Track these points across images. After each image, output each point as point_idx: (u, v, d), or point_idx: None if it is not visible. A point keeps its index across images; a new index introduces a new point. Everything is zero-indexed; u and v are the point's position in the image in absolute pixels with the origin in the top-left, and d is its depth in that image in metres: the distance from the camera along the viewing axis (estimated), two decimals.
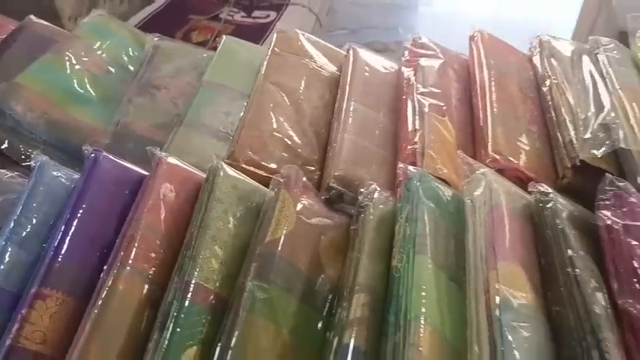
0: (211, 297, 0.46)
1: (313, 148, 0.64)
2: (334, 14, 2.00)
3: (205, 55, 0.82)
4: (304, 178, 0.60)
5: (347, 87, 0.69)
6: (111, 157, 0.57)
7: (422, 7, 2.90)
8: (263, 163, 0.60)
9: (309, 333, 0.45)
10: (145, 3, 1.42)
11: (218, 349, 0.41)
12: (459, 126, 0.66)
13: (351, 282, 0.46)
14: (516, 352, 0.40)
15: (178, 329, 0.43)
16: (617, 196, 0.50)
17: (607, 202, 0.49)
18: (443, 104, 0.64)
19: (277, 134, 0.64)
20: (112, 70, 0.80)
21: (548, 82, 0.70)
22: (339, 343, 0.42)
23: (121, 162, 0.57)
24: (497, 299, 0.43)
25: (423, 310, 0.42)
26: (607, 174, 0.51)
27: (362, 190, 0.54)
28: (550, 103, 0.67)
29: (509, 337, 0.41)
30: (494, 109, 0.65)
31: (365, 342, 0.42)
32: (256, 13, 1.38)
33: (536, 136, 0.65)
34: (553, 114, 0.66)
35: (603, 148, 0.57)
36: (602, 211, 0.49)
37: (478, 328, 0.43)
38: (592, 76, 0.69)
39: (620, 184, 0.50)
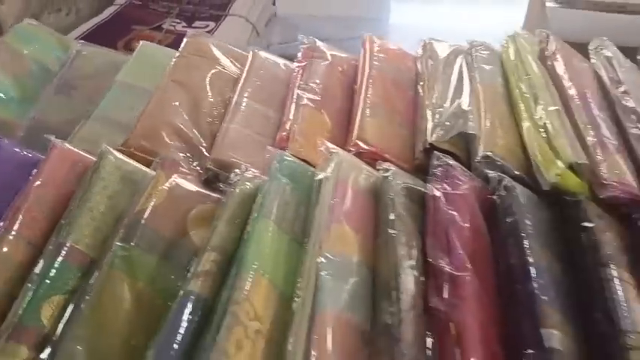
0: (82, 257, 0.53)
1: (205, 138, 0.71)
2: (292, 27, 2.07)
3: (124, 59, 0.89)
4: (195, 163, 0.68)
5: (240, 84, 0.76)
6: (11, 144, 0.64)
7: (393, 19, 2.99)
8: (154, 150, 0.67)
9: (166, 289, 0.52)
10: (93, 15, 1.49)
11: (78, 295, 0.48)
12: (338, 119, 0.74)
13: (205, 244, 0.53)
14: (329, 298, 0.47)
15: (47, 281, 0.50)
16: (444, 170, 0.58)
17: (435, 176, 0.57)
18: (319, 98, 0.72)
19: (172, 126, 0.71)
20: (35, 71, 0.87)
21: (421, 80, 0.78)
22: (185, 290, 0.49)
23: (22, 149, 0.64)
24: (324, 254, 0.50)
25: (257, 262, 0.49)
26: (435, 152, 0.59)
27: (236, 170, 0.62)
28: (422, 98, 0.75)
29: (326, 285, 0.48)
30: (368, 103, 0.73)
31: (208, 291, 0.49)
32: (196, 24, 1.45)
33: (405, 127, 0.73)
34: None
35: (449, 133, 0.66)
36: (431, 184, 0.57)
37: (308, 279, 0.50)
38: (460, 74, 0.77)
39: (447, 160, 0.59)
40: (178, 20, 1.47)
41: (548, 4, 1.81)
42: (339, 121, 0.73)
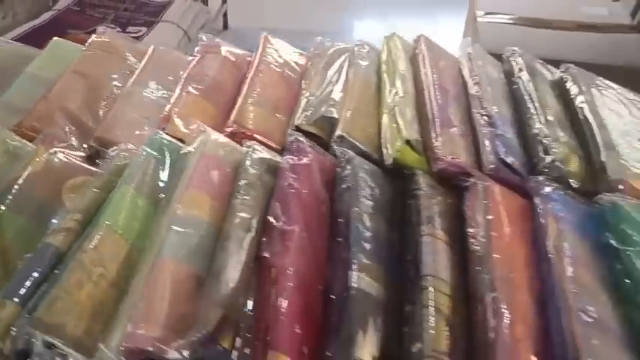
0: None
1: (96, 121, 0.77)
2: (244, 40, 2.15)
3: (37, 53, 0.95)
4: (84, 145, 0.74)
5: (135, 74, 0.83)
6: None
7: (355, 33, 3.08)
8: (44, 130, 0.73)
9: (31, 245, 0.57)
10: (30, 19, 1.54)
11: None
12: (225, 108, 0.80)
13: (73, 207, 0.59)
14: (170, 250, 0.53)
15: None
16: (294, 145, 0.65)
17: (288, 150, 0.65)
18: (205, 87, 0.79)
19: (66, 110, 0.77)
20: None
21: (306, 74, 0.86)
22: (43, 243, 0.54)
23: None
24: (176, 212, 0.57)
25: (111, 219, 0.55)
26: (290, 130, 0.66)
27: (115, 147, 0.68)
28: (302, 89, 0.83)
29: (171, 239, 0.55)
30: (251, 92, 0.80)
31: (66, 245, 0.55)
32: (130, 29, 1.52)
33: (288, 116, 0.80)
34: None
35: (312, 117, 0.73)
36: (283, 157, 0.64)
37: (158, 234, 0.56)
38: (340, 68, 0.85)
39: (298, 136, 0.66)
40: (113, 25, 1.53)
41: (479, 19, 1.93)
42: (225, 109, 0.80)
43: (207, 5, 1.94)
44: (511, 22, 1.88)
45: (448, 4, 2.69)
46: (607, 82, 0.87)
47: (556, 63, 0.89)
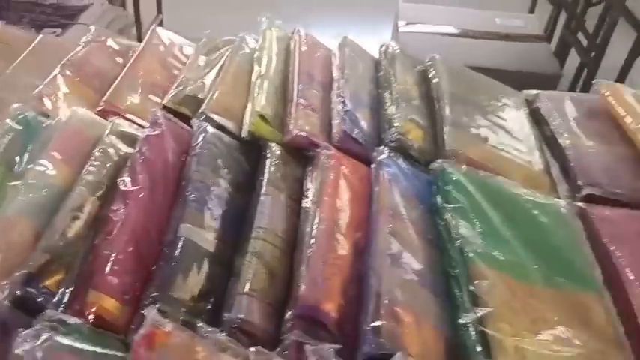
0: None
1: None
2: None
3: None
4: None
5: (17, 60, 0.86)
6: None
7: None
8: None
9: None
10: None
11: None
12: (105, 91, 0.84)
13: None
14: (12, 207, 0.57)
15: None
16: (153, 120, 0.69)
17: (149, 123, 0.69)
18: (83, 72, 0.83)
19: None
20: None
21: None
22: None
23: None
24: (26, 177, 0.60)
25: None
26: (152, 111, 0.70)
27: None
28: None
29: (19, 197, 0.58)
30: (129, 76, 0.84)
31: None
32: (45, 31, 1.54)
33: (160, 93, 0.84)
34: None
35: (178, 97, 0.78)
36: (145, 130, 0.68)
37: (9, 194, 0.60)
38: (219, 56, 0.90)
39: (157, 113, 0.70)
40: (29, 26, 1.55)
41: (400, 28, 2.02)
42: (104, 89, 0.84)
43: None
44: (430, 31, 1.98)
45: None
46: (474, 73, 0.95)
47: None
